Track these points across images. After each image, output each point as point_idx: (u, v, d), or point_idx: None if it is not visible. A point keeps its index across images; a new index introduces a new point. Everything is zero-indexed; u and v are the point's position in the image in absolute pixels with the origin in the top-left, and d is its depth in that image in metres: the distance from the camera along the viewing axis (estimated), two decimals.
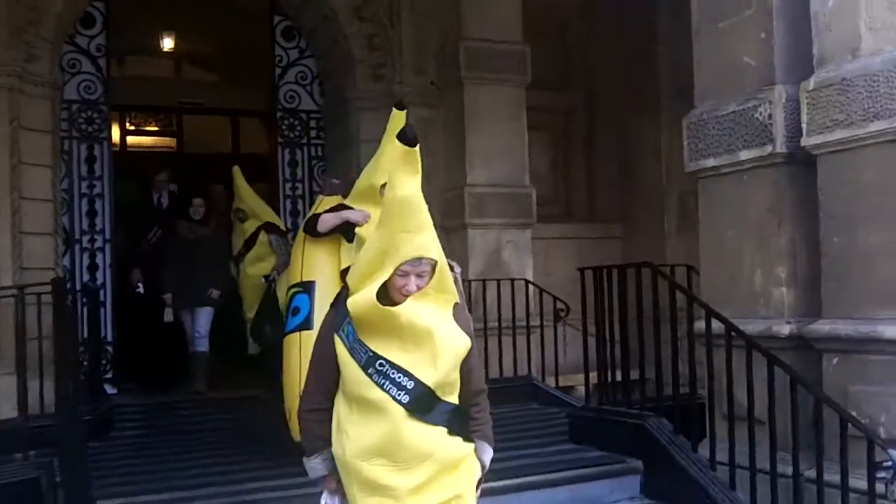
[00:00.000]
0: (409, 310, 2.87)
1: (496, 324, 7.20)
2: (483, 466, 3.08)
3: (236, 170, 7.36)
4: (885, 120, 4.13)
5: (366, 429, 2.90)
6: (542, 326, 7.33)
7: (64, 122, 7.52)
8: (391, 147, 4.17)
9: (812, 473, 4.21)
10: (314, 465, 3.04)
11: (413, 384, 2.86)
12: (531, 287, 7.64)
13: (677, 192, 8.16)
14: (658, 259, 6.02)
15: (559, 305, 7.23)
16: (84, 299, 6.99)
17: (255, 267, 7.06)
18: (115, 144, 10.00)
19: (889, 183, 4.18)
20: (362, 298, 2.87)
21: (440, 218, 7.40)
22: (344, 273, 4.84)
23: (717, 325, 4.83)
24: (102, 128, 7.82)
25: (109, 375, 7.57)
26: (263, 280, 6.88)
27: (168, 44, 9.70)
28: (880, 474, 3.78)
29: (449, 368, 2.91)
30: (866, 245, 4.29)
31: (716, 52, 5.15)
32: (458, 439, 2.97)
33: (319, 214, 5.21)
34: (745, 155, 4.88)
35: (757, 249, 4.88)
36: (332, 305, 3.11)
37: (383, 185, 4.30)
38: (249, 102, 9.83)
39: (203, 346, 7.52)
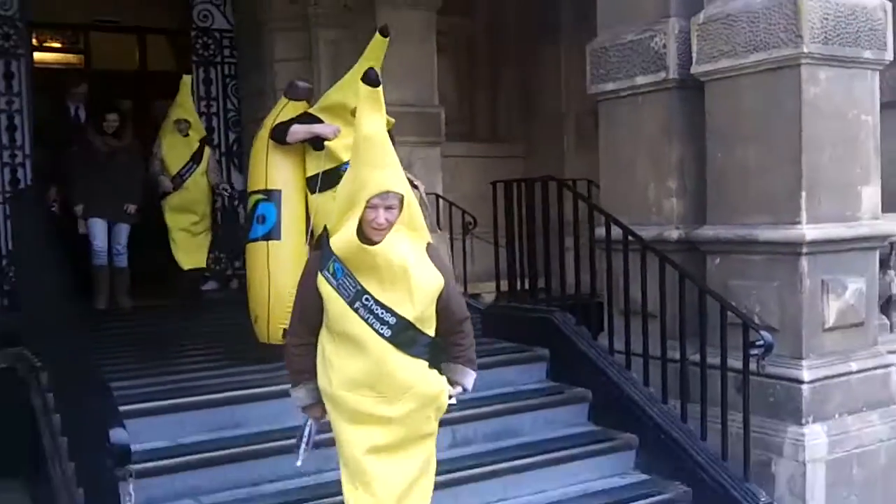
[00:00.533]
0: (386, 249, 3.08)
1: None
2: (465, 389, 3.36)
3: (186, 79, 7.60)
4: (763, 52, 4.78)
5: (350, 361, 3.14)
6: (451, 238, 7.88)
7: None
8: (360, 67, 4.62)
9: (697, 357, 4.93)
10: (300, 395, 3.29)
11: (395, 319, 3.09)
12: (441, 201, 8.16)
13: (575, 114, 8.74)
14: (559, 176, 6.59)
15: (467, 219, 7.78)
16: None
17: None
18: None
19: (764, 107, 4.86)
20: (343, 237, 3.10)
21: None
22: (309, 181, 5.20)
23: (615, 232, 5.48)
24: (19, 44, 7.84)
25: None
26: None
27: None
28: (753, 352, 4.52)
29: (425, 305, 3.15)
30: (744, 161, 4.99)
31: None
32: (436, 373, 3.24)
33: (287, 122, 5.28)
34: (641, 80, 5.48)
35: (650, 165, 5.53)
36: (315, 247, 3.42)
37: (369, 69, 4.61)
38: (160, 21, 9.89)
39: (123, 261, 7.49)
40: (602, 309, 5.75)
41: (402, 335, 3.11)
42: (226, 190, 7.91)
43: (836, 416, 4.82)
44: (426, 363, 3.20)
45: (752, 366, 4.57)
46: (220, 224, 8.05)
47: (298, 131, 5.23)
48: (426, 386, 3.21)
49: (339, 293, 3.12)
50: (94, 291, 7.32)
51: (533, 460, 4.86)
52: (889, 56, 4.96)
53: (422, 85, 8.41)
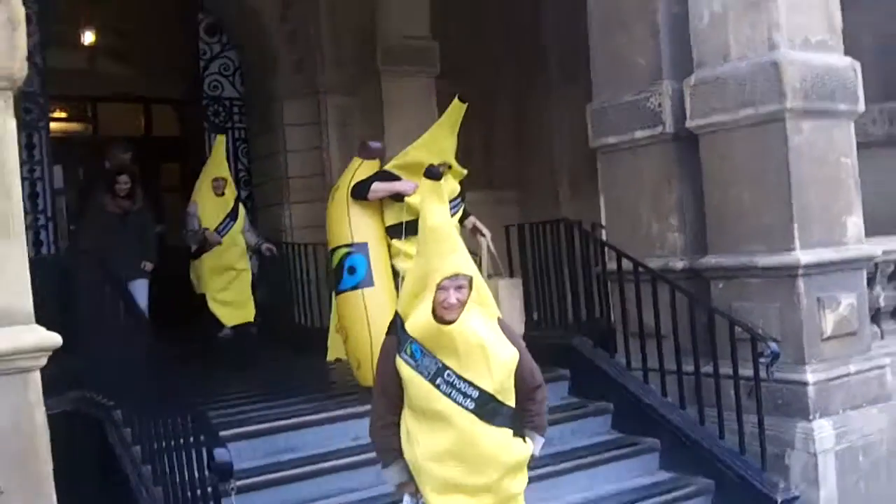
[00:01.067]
0: (462, 327, 3.27)
1: None
2: (533, 455, 3.50)
3: (221, 138, 8.18)
4: (751, 108, 5.65)
5: (435, 435, 3.29)
6: None
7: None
8: (439, 129, 5.97)
9: (709, 369, 5.70)
10: (391, 474, 3.44)
11: (477, 392, 3.27)
12: None
13: (568, 166, 9.60)
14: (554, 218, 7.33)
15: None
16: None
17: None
18: None
19: (755, 154, 5.71)
20: (419, 320, 3.29)
21: None
22: (390, 230, 5.78)
23: (625, 265, 6.28)
24: (40, 117, 8.41)
25: None
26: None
27: (89, 38, 10.28)
28: (762, 360, 5.33)
29: (503, 377, 3.32)
30: (739, 200, 5.82)
31: (611, 53, 6.53)
32: (520, 441, 3.40)
33: (366, 180, 5.78)
34: (640, 134, 6.31)
35: (652, 207, 6.34)
36: (388, 332, 3.57)
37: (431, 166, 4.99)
38: (166, 91, 10.55)
39: None
40: (615, 332, 6.51)
41: (486, 407, 3.28)
42: (269, 250, 8.22)
43: (840, 411, 5.62)
44: (510, 431, 3.37)
45: (763, 373, 5.36)
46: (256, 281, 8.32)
47: (380, 189, 5.75)
48: (511, 454, 3.37)
49: (419, 373, 3.30)
50: None
51: (566, 465, 5.47)
52: (861, 108, 5.88)
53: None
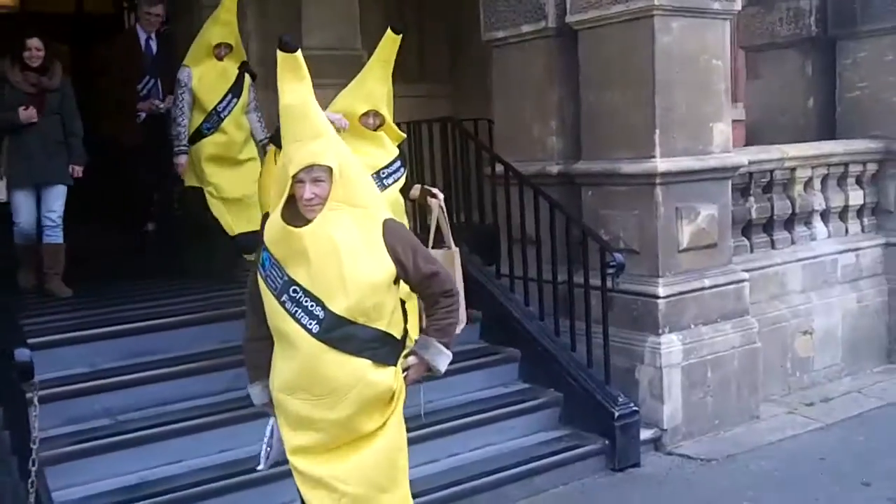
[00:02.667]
0: (316, 230, 2.78)
1: None
2: (430, 367, 3.03)
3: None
4: (622, 4, 5.33)
5: (286, 362, 2.89)
6: None
7: None
8: (370, 70, 4.77)
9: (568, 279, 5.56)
10: (254, 393, 3.08)
11: (323, 313, 2.78)
12: None
13: None
14: (485, 115, 7.07)
15: None
16: None
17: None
18: None
19: (624, 54, 5.42)
20: (271, 221, 2.86)
21: None
22: None
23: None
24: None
25: None
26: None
27: None
28: (609, 272, 5.16)
29: (363, 293, 2.81)
30: (611, 103, 5.56)
31: None
32: (387, 370, 2.91)
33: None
34: (526, 28, 6.00)
35: (535, 106, 6.08)
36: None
37: (364, 114, 4.60)
38: None
39: (57, 235, 5.88)
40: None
41: (335, 331, 2.80)
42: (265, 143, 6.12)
43: (692, 326, 5.49)
44: (369, 361, 2.87)
45: (609, 283, 5.21)
46: None
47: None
48: (368, 388, 2.88)
49: (268, 286, 2.87)
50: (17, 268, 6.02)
51: None
52: (737, 7, 5.55)
53: (344, 29, 8.83)
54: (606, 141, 5.61)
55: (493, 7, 6.24)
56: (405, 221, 4.35)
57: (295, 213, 2.83)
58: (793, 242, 6.51)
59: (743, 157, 5.75)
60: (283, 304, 2.83)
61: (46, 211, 5.86)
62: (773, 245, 6.41)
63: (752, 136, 7.82)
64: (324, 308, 2.79)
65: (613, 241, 5.55)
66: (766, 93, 7.65)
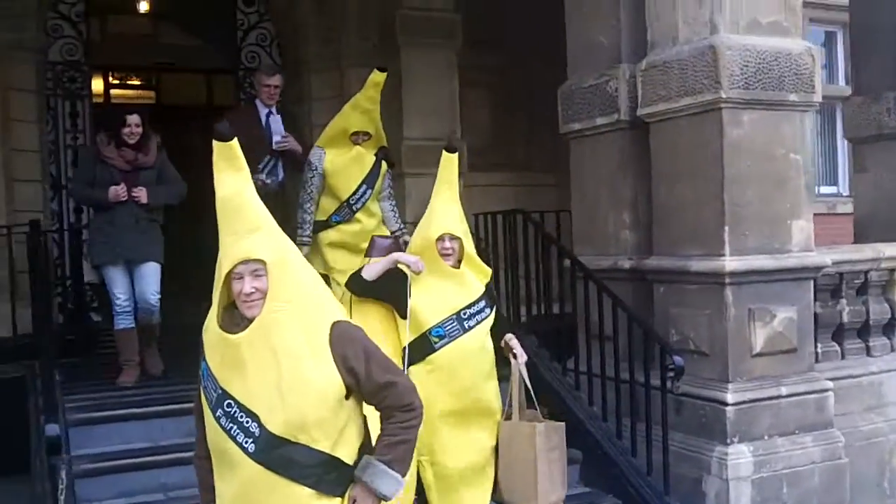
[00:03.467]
0: (252, 336, 2.47)
1: None
2: (378, 495, 2.54)
3: (380, 77, 5.52)
4: (690, 96, 5.15)
5: (224, 484, 2.56)
6: None
7: (49, 82, 8.51)
8: (436, 195, 4.21)
9: (640, 378, 5.27)
10: None
11: (259, 430, 2.44)
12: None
13: None
14: None
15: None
16: (67, 237, 8.08)
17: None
18: (99, 96, 11.11)
19: (694, 147, 5.21)
20: (208, 324, 2.57)
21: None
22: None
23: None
24: (83, 86, 8.77)
25: (96, 305, 8.51)
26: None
27: (143, 6, 10.63)
28: (669, 374, 4.89)
29: (303, 408, 2.45)
30: (681, 197, 5.34)
31: (581, 31, 6.10)
32: (332, 502, 2.53)
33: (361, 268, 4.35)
34: (600, 121, 5.90)
35: (609, 199, 5.93)
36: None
37: (439, 238, 4.07)
38: (216, 62, 10.76)
39: (157, 315, 5.82)
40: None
41: (272, 452, 2.44)
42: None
43: (766, 437, 5.10)
44: (311, 490, 2.48)
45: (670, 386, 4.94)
46: None
47: (374, 265, 4.28)
48: None
49: (205, 397, 2.56)
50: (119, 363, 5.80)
51: None
52: (817, 98, 5.25)
53: (444, 119, 8.96)
54: (677, 236, 5.39)
55: (569, 99, 6.18)
56: (493, 372, 4.23)
57: (233, 318, 2.54)
58: (893, 349, 6.00)
59: (826, 256, 5.38)
60: (217, 419, 2.49)
61: (142, 293, 5.66)
62: (868, 352, 5.93)
63: (861, 231, 7.36)
64: (259, 425, 2.44)
65: (683, 342, 5.30)
66: (874, 186, 7.20)
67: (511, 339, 4.29)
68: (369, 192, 5.63)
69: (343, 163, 5.55)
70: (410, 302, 4.07)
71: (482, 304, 4.16)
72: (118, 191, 5.55)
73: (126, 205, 5.59)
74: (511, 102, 10.20)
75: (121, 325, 5.73)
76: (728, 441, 5.01)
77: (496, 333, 4.25)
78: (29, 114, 7.97)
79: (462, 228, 4.19)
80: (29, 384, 5.64)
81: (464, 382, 4.09)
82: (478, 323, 4.13)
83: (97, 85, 11.15)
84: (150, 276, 5.73)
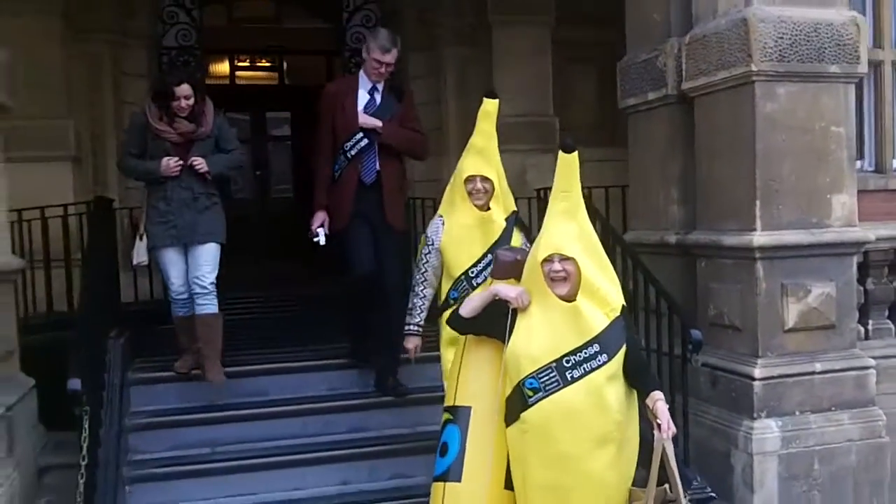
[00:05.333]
0: None
1: None
2: None
3: (492, 106, 4.45)
4: (726, 70, 5.12)
5: None
6: None
7: (165, 66, 9.21)
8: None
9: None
10: None
11: None
12: None
13: None
14: None
15: None
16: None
17: None
18: (225, 78, 11.88)
19: (731, 121, 5.18)
20: None
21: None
22: None
23: (631, 235, 6.01)
24: (196, 69, 9.43)
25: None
26: None
27: None
28: (689, 347, 4.92)
29: None
30: (720, 172, 5.32)
31: (637, 7, 6.11)
32: None
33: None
34: (651, 95, 5.91)
35: (660, 174, 5.94)
36: None
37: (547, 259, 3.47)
38: (324, 45, 11.20)
39: (213, 305, 5.32)
40: None
41: None
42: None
43: (797, 413, 5.05)
44: None
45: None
46: None
47: (473, 299, 3.79)
48: None
49: None
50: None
51: None
52: (862, 70, 5.10)
53: (536, 96, 9.11)
54: (716, 211, 5.38)
55: (626, 75, 6.21)
56: (615, 436, 3.48)
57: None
58: None
59: (870, 232, 5.23)
60: None
61: (195, 275, 5.23)
62: None
63: None
64: None
65: (718, 317, 5.32)
66: None
67: (658, 402, 3.45)
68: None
69: (462, 230, 4.42)
70: (509, 345, 3.49)
71: (595, 347, 3.40)
72: (170, 163, 5.11)
73: (181, 179, 5.17)
74: (603, 77, 10.18)
75: (178, 313, 5.41)
76: (755, 416, 5.00)
77: (636, 379, 3.52)
78: (141, 96, 8.68)
79: (579, 247, 3.44)
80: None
81: (562, 447, 3.38)
82: (585, 373, 3.39)
83: (223, 68, 11.98)
84: (208, 257, 5.25)
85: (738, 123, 5.11)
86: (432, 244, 4.53)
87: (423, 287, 4.60)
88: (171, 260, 5.32)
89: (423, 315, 4.65)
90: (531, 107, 9.08)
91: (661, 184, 5.95)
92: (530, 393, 3.41)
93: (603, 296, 3.46)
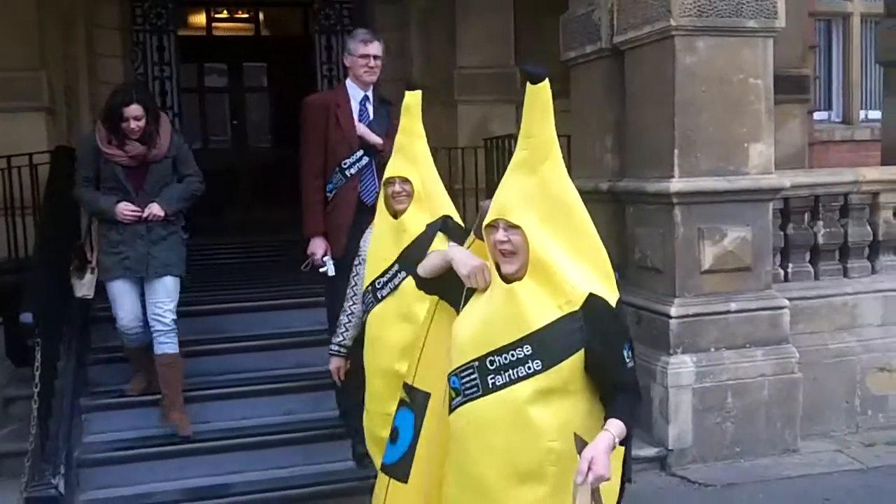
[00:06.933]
0: None
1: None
2: None
3: (413, 98, 3.71)
4: (650, 25, 5.38)
5: None
6: None
7: (139, 18, 9.43)
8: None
9: None
10: None
11: None
12: None
13: None
14: None
15: None
16: None
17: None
18: (201, 29, 12.03)
19: (655, 74, 5.45)
20: None
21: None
22: None
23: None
24: (169, 22, 9.64)
25: None
26: None
27: None
28: None
29: None
30: (644, 121, 5.61)
31: None
32: None
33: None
34: (588, 48, 6.17)
35: (597, 124, 6.22)
36: None
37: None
38: None
39: (172, 344, 5.03)
40: None
41: None
42: None
43: (712, 349, 5.39)
44: None
45: None
46: None
47: (431, 256, 3.06)
48: None
49: None
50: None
51: None
52: (780, 24, 5.35)
53: (498, 48, 9.31)
54: (642, 160, 5.67)
55: (567, 28, 6.46)
56: (545, 472, 2.58)
57: None
58: (874, 272, 6.07)
59: (785, 179, 5.52)
60: None
61: (154, 312, 4.95)
62: (845, 273, 6.02)
63: (890, 155, 7.28)
64: None
65: (642, 259, 5.65)
66: None
67: (600, 438, 2.43)
68: (401, 275, 3.68)
69: (377, 236, 3.87)
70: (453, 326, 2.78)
71: (526, 349, 2.54)
72: (124, 211, 4.85)
73: (137, 205, 4.91)
74: None
75: (129, 346, 5.17)
76: (671, 351, 5.34)
77: (604, 397, 2.60)
78: (114, 49, 8.93)
79: (533, 211, 2.57)
80: None
81: (479, 470, 2.61)
82: (509, 382, 2.55)
83: (199, 19, 12.13)
84: (166, 291, 4.97)
85: (661, 75, 5.38)
86: (362, 255, 4.07)
87: (350, 303, 4.11)
88: (122, 292, 4.97)
89: (350, 333, 4.11)
90: (493, 59, 9.29)
91: (597, 134, 6.23)
92: (453, 394, 2.68)
93: (558, 281, 2.53)
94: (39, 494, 4.37)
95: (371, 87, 4.94)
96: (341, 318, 4.16)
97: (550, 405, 2.54)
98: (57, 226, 5.59)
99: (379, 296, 3.76)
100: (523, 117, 2.61)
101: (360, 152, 4.81)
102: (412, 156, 3.75)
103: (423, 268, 3.01)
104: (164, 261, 4.95)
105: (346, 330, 4.14)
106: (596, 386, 2.59)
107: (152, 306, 4.96)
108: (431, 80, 9.08)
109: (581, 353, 2.53)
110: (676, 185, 5.26)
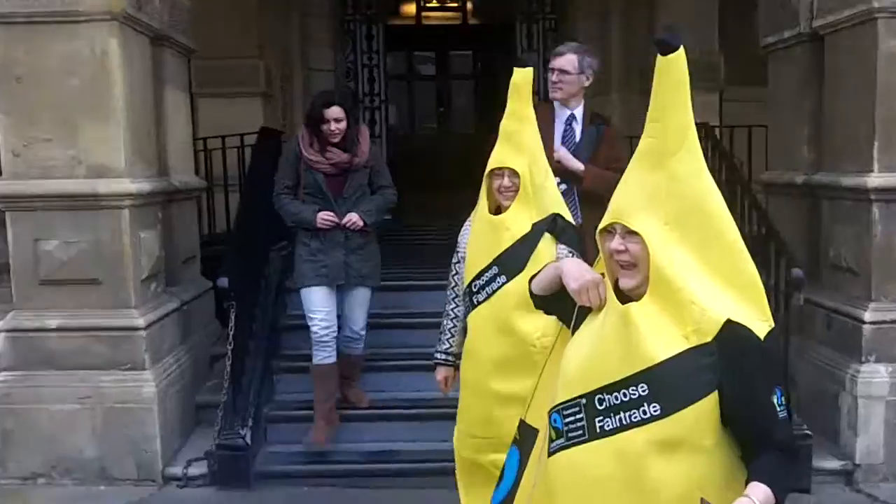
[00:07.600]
0: None
1: None
2: None
3: (523, 76, 3.15)
4: (850, 8, 5.05)
5: None
6: None
7: (350, 8, 9.90)
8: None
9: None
10: None
11: None
12: None
13: None
14: None
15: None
16: None
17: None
18: (411, 18, 12.43)
19: (854, 60, 5.10)
20: None
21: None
22: None
23: (766, 176, 6.09)
24: (380, 11, 10.04)
25: None
26: None
27: None
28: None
29: None
30: (843, 111, 5.25)
31: None
32: None
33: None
34: (787, 34, 5.86)
35: (793, 113, 5.88)
36: None
37: None
38: None
39: (360, 349, 5.28)
40: None
41: None
42: None
43: None
44: None
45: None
46: None
47: (545, 272, 2.46)
48: None
49: None
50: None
51: None
52: None
53: (702, 33, 9.02)
54: (839, 152, 5.34)
55: (767, 12, 6.18)
56: None
57: None
58: None
59: None
60: None
61: (346, 321, 5.11)
62: None
63: None
64: None
65: (836, 258, 5.34)
66: None
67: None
68: (500, 279, 3.24)
69: (476, 233, 3.47)
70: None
71: (642, 388, 1.99)
72: (325, 219, 4.88)
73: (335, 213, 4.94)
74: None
75: (319, 359, 5.05)
76: (863, 359, 5.01)
77: (744, 453, 2.01)
78: (326, 38, 9.40)
79: (657, 214, 2.05)
80: None
81: None
82: (620, 427, 2.02)
83: (410, 8, 12.54)
84: (360, 303, 5.10)
85: (862, 61, 5.04)
86: (460, 251, 3.69)
87: (452, 305, 3.72)
88: (318, 301, 4.97)
89: (457, 339, 3.66)
90: (697, 44, 9.00)
91: (793, 124, 5.92)
92: (553, 434, 2.17)
93: (685, 302, 1.98)
94: (228, 442, 4.95)
95: (580, 105, 4.42)
96: (444, 322, 3.76)
97: (671, 462, 1.95)
98: (255, 200, 5.98)
99: (475, 300, 3.30)
100: (652, 97, 2.08)
101: (557, 180, 3.71)
102: (522, 145, 3.25)
103: (537, 283, 2.46)
104: (361, 271, 5.00)
105: (452, 336, 3.72)
106: (735, 441, 1.99)
107: (345, 316, 5.13)
108: (629, 69, 8.99)
109: (713, 397, 1.94)
110: (875, 180, 4.93)
